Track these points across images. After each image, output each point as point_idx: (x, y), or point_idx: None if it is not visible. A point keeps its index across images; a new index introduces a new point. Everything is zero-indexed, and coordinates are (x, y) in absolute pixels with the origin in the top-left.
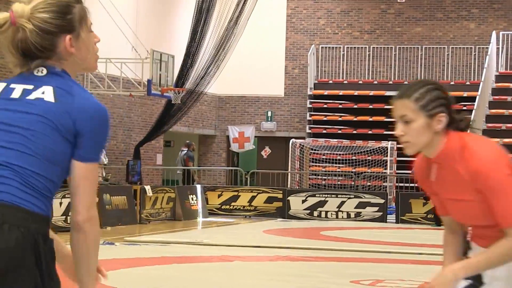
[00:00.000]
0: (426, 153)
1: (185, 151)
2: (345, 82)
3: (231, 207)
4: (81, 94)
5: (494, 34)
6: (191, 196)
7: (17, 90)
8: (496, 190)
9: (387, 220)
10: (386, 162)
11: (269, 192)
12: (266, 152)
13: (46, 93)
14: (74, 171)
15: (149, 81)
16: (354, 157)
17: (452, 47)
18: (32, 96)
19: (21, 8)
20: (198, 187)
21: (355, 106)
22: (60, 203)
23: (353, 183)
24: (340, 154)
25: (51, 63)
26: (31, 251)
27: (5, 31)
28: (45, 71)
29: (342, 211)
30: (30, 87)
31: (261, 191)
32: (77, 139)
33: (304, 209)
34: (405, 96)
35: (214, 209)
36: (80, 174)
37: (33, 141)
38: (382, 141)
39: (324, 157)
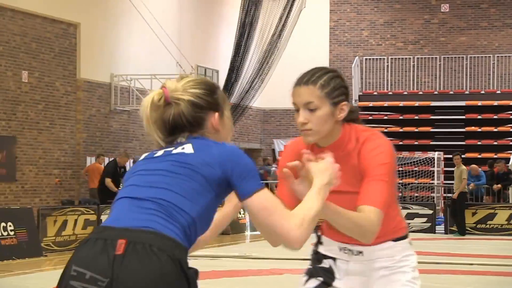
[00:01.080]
0: (321, 142)
1: (261, 166)
2: (390, 93)
3: None
4: (218, 144)
5: None
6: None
7: (160, 151)
8: (379, 176)
9: (436, 231)
10: (434, 172)
11: None
12: None
13: (186, 148)
14: (251, 211)
15: None
16: (401, 168)
17: (498, 56)
18: (173, 152)
19: (174, 85)
20: None
21: (401, 117)
22: None
23: (400, 194)
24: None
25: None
26: (182, 275)
27: (160, 106)
28: (185, 138)
29: None
30: (171, 148)
31: None
32: (230, 182)
33: None
34: (311, 83)
35: None
36: (255, 208)
37: (175, 181)
38: (428, 152)
39: None
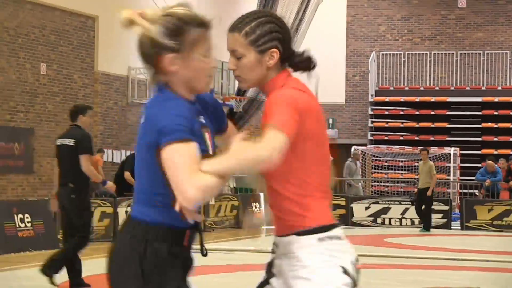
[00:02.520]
0: (261, 87)
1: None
2: (407, 88)
3: None
4: (150, 106)
5: None
6: (255, 204)
7: None
8: (270, 113)
9: (452, 227)
10: (450, 168)
11: (332, 200)
12: None
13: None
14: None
15: (212, 90)
16: (416, 164)
17: None
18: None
19: (152, 16)
20: (261, 194)
21: (417, 113)
22: (126, 212)
23: (416, 189)
24: (402, 161)
25: (160, 78)
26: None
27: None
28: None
29: (405, 218)
30: None
31: None
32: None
33: (368, 216)
34: (236, 30)
35: None
36: (163, 159)
37: None
38: (445, 147)
39: (386, 164)
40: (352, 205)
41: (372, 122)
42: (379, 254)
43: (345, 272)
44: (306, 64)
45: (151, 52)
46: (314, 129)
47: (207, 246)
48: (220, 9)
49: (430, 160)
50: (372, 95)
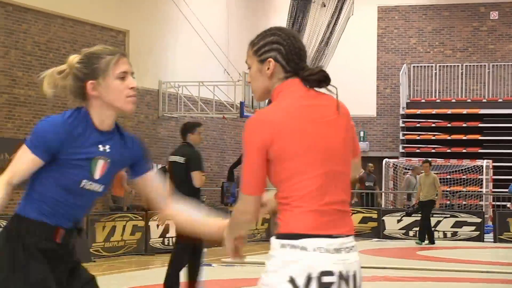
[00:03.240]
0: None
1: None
2: (438, 100)
3: None
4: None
5: None
6: None
7: None
8: (243, 157)
9: (485, 240)
10: (482, 180)
11: (363, 212)
12: (360, 172)
13: None
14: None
15: (241, 103)
16: (449, 176)
17: None
18: None
19: (71, 59)
20: None
21: (449, 125)
22: (157, 225)
23: (448, 202)
24: (434, 173)
25: (83, 104)
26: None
27: (64, 78)
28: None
29: (438, 231)
30: None
31: (355, 211)
32: None
33: (400, 229)
34: (250, 44)
35: None
36: None
37: None
38: (477, 160)
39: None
40: (384, 217)
41: (404, 134)
42: (412, 266)
43: (292, 283)
44: (317, 78)
45: (76, 85)
46: (288, 146)
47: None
48: (249, 20)
49: (463, 172)
50: (403, 108)
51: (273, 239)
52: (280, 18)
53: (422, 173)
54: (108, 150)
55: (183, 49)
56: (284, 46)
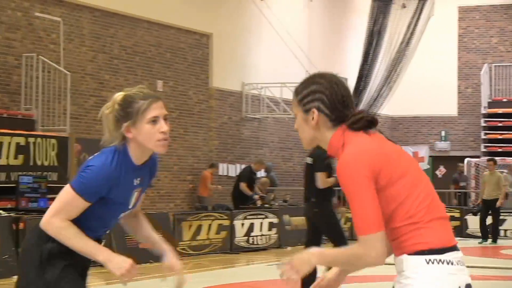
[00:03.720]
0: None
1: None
2: None
3: None
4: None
5: None
6: None
7: None
8: (349, 197)
9: None
10: None
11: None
12: (441, 171)
13: None
14: None
15: None
16: None
17: None
18: None
19: (115, 97)
20: None
21: None
22: (242, 224)
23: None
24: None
25: (118, 142)
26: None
27: (110, 112)
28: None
29: (504, 230)
30: None
31: None
32: None
33: None
34: (294, 92)
35: None
36: None
37: None
38: None
39: None
40: (466, 217)
41: (485, 134)
42: (496, 265)
43: None
44: (360, 126)
45: (114, 124)
46: (396, 167)
47: None
48: (330, 22)
49: None
50: (485, 107)
51: (412, 258)
52: (360, 19)
53: (487, 171)
54: (139, 182)
55: (265, 51)
56: (327, 96)
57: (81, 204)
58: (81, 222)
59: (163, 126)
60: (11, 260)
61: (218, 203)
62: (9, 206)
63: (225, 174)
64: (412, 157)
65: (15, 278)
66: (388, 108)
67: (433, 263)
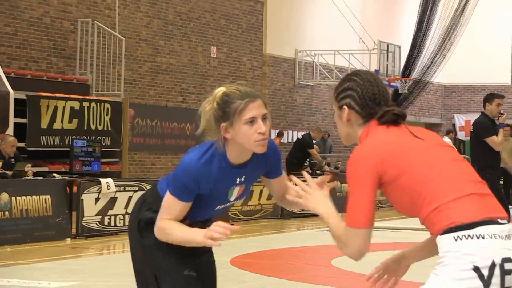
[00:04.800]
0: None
1: None
2: None
3: None
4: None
5: None
6: None
7: None
8: (348, 189)
9: None
10: None
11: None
12: None
13: None
14: None
15: (376, 71)
16: None
17: None
18: None
19: (215, 93)
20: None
21: None
22: None
23: None
24: None
25: (218, 139)
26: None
27: (209, 109)
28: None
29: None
30: None
31: None
32: None
33: None
34: (334, 88)
35: None
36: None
37: None
38: None
39: None
40: None
41: None
42: None
43: (477, 271)
44: (388, 119)
45: (213, 123)
46: (402, 158)
47: (374, 224)
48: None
49: None
50: None
51: (441, 237)
52: None
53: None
54: (243, 180)
55: (319, 18)
56: (358, 93)
57: (179, 205)
58: None
59: (261, 126)
60: (65, 223)
61: None
62: (63, 169)
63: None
64: (437, 137)
65: (68, 240)
66: (441, 76)
67: (461, 239)
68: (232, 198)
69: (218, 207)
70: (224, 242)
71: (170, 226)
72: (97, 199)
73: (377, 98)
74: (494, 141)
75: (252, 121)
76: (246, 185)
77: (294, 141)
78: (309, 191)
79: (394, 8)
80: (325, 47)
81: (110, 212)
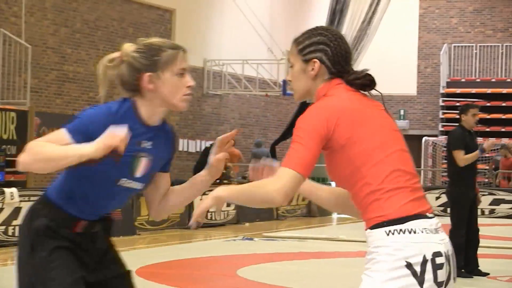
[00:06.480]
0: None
1: None
2: (478, 80)
3: None
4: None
5: None
6: None
7: None
8: (293, 139)
9: None
10: None
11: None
12: None
13: None
14: None
15: (284, 81)
16: (487, 155)
17: None
18: None
19: (127, 47)
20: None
21: (488, 104)
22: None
23: (486, 180)
24: None
25: (132, 95)
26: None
27: (116, 66)
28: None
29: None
30: None
31: None
32: None
33: (438, 206)
34: (293, 41)
35: None
36: None
37: None
38: None
39: None
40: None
41: (443, 113)
42: None
43: (409, 267)
44: (362, 82)
45: (131, 75)
46: (360, 128)
47: (280, 234)
48: (293, 2)
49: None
50: (443, 87)
51: (373, 231)
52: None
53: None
54: (150, 147)
55: (228, 27)
56: (331, 48)
57: (65, 141)
58: (70, 194)
59: (190, 80)
60: None
61: (178, 179)
62: None
63: (185, 150)
64: (392, 123)
65: None
66: None
67: (393, 234)
68: (137, 173)
69: (119, 182)
70: (130, 252)
71: (44, 144)
72: (1, 209)
73: (348, 56)
74: (458, 156)
75: (182, 73)
76: (153, 161)
77: (202, 150)
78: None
79: (303, 18)
80: (234, 56)
81: (14, 222)
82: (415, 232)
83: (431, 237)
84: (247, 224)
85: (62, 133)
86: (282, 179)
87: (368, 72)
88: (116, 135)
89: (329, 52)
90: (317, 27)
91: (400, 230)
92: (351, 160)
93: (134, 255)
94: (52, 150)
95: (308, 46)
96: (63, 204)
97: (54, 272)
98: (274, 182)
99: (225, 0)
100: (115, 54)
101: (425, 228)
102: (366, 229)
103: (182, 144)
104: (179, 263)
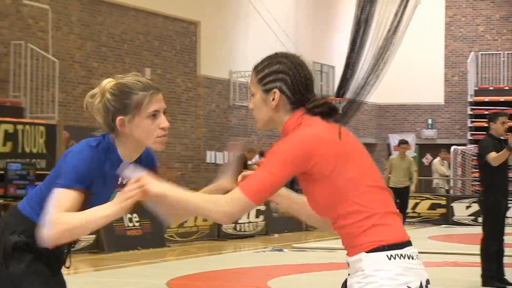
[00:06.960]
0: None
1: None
2: (506, 88)
3: None
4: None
5: None
6: None
7: None
8: (265, 161)
9: None
10: None
11: (432, 199)
12: (428, 159)
13: None
14: None
15: None
16: None
17: None
18: None
19: (104, 85)
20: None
21: None
22: None
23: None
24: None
25: (111, 133)
26: None
27: (99, 101)
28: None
29: (508, 217)
30: None
31: (424, 198)
32: None
33: (469, 215)
34: (253, 69)
35: None
36: None
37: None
38: None
39: None
40: (452, 204)
41: (472, 122)
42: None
43: None
44: (321, 111)
45: (105, 115)
46: (340, 160)
47: (310, 245)
48: (318, 9)
49: None
50: (471, 95)
51: (369, 255)
52: (348, 7)
53: (395, 155)
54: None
55: (252, 38)
56: (290, 76)
57: (70, 195)
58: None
59: (163, 121)
60: None
61: None
62: None
63: (213, 161)
64: (362, 146)
65: None
66: (375, 96)
67: (394, 258)
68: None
69: None
70: (160, 264)
71: (63, 214)
72: None
73: (309, 84)
74: (489, 157)
75: (154, 115)
76: None
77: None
78: (138, 182)
79: (328, 28)
80: None
81: None
82: (412, 258)
83: (421, 264)
84: (276, 235)
85: (62, 193)
86: (234, 205)
87: (328, 100)
88: (134, 189)
89: (289, 81)
90: (276, 53)
91: (401, 255)
92: (337, 189)
93: (164, 267)
94: (77, 219)
95: (267, 75)
96: (40, 220)
97: (35, 285)
98: (225, 204)
99: (249, 11)
100: (95, 91)
101: (416, 255)
102: (356, 254)
103: (210, 156)
104: (209, 274)
